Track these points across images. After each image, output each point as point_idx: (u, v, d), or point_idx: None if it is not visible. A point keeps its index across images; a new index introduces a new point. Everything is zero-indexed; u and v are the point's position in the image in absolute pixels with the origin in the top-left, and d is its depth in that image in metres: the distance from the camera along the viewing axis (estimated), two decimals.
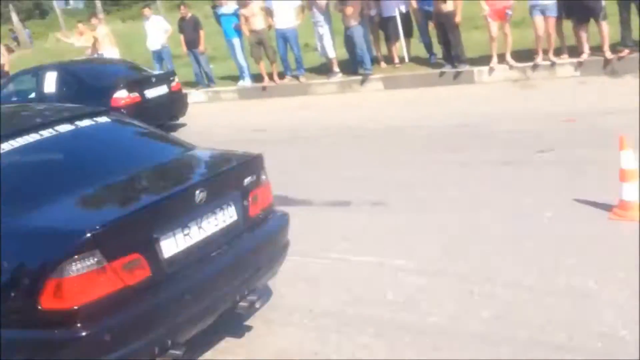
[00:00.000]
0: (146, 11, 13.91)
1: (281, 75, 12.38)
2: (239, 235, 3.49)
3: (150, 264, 2.90)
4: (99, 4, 36.41)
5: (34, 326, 2.73)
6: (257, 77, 12.69)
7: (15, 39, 36.30)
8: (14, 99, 10.63)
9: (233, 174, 3.59)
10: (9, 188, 3.04)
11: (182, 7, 13.33)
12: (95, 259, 2.68)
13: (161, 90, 10.68)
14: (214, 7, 16.91)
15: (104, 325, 2.71)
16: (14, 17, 36.08)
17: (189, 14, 13.10)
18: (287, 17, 11.66)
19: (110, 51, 13.68)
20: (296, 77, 12.22)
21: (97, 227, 2.72)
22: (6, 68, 15.94)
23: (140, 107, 9.83)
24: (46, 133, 3.50)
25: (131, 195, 3.36)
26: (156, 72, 11.85)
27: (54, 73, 10.69)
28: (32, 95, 10.66)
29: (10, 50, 31.25)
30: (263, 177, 3.72)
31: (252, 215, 3.59)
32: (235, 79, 13.18)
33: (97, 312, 2.69)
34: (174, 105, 11.03)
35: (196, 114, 11.51)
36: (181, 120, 11.19)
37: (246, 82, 12.74)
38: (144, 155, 3.82)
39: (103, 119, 3.95)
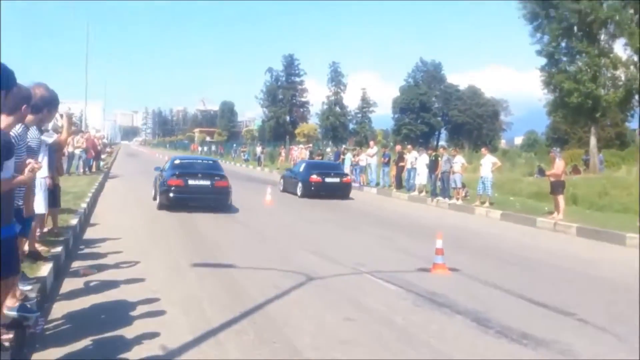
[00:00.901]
0: None
1: None
2: (210, 188, 15.58)
3: (184, 184, 15.20)
4: None
5: (164, 187, 15.34)
6: None
7: (586, 161, 36.24)
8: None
9: (213, 175, 15.95)
10: (176, 168, 16.17)
11: None
12: (176, 177, 15.30)
13: (335, 179, 21.56)
14: None
15: (174, 189, 15.12)
16: (592, 141, 36.03)
17: None
18: None
19: None
20: None
21: (176, 175, 15.43)
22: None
23: (320, 185, 21.00)
24: (197, 160, 20.48)
25: (190, 172, 16.00)
26: (342, 171, 23.62)
27: (306, 163, 23.96)
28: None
29: (577, 171, 31.31)
30: (224, 178, 15.95)
31: (216, 186, 15.60)
32: None
33: (174, 187, 15.12)
34: (341, 189, 21.51)
35: None
36: None
37: None
38: (207, 168, 16.93)
39: (211, 161, 19.95)
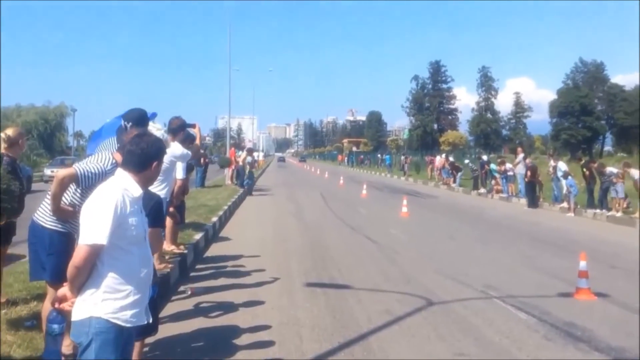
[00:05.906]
0: None
1: None
2: (283, 160, 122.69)
3: (279, 159, 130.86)
4: None
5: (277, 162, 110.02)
6: None
7: None
8: None
9: (283, 157, 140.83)
10: (278, 160, 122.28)
11: None
12: (278, 159, 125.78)
13: None
14: None
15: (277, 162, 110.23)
16: None
17: None
18: None
19: None
20: None
21: (280, 158, 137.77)
22: None
23: None
24: (282, 157, 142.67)
25: (280, 157, 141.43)
26: None
27: None
28: None
29: None
30: (285, 158, 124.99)
31: (285, 159, 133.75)
32: None
33: (278, 161, 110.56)
34: None
35: None
36: None
37: None
38: (282, 159, 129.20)
39: (284, 156, 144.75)
